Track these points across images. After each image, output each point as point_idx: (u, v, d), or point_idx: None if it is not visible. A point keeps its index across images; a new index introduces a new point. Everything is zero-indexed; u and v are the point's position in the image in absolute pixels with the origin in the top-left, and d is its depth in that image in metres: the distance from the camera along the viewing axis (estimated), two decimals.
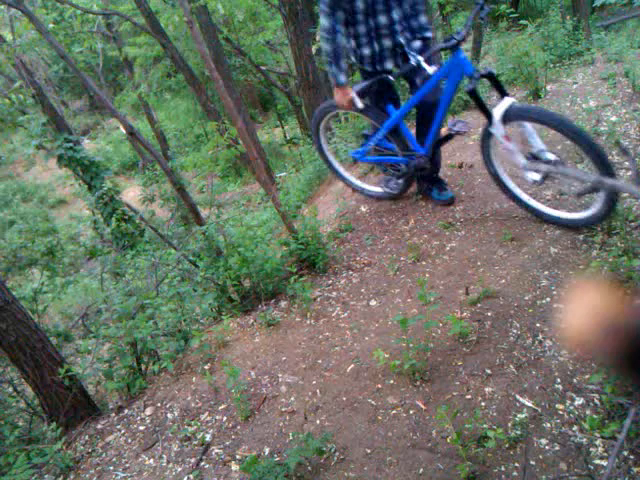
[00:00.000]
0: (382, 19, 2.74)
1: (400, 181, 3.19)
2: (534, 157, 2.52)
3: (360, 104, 2.90)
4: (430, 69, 2.65)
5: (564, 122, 2.40)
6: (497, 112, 2.51)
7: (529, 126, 2.49)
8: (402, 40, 2.80)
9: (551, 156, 2.48)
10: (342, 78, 2.85)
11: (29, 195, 16.46)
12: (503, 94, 2.53)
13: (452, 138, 2.97)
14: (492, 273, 2.51)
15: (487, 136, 2.67)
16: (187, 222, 6.62)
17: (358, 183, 3.66)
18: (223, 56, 9.25)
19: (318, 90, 6.24)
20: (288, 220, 3.08)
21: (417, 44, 2.83)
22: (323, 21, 2.74)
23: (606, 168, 2.28)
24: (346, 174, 3.69)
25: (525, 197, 2.76)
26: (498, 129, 2.54)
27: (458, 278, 2.57)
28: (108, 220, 8.25)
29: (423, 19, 2.86)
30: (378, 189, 3.51)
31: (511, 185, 2.78)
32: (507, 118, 2.50)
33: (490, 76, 2.52)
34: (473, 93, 2.54)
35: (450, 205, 3.18)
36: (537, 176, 2.56)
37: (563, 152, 3.18)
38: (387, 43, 2.81)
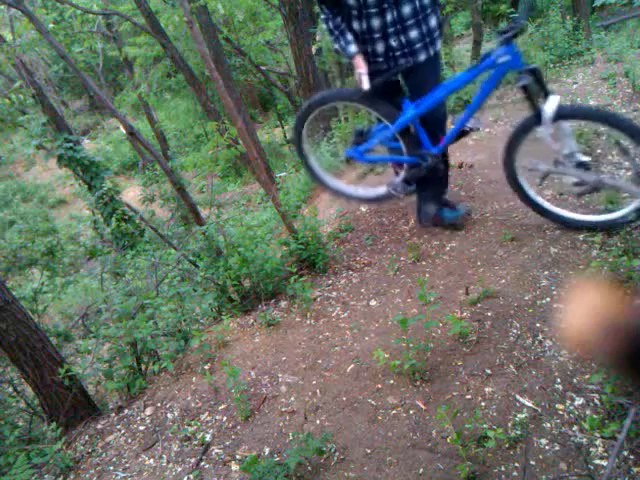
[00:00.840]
0: (375, 22, 2.56)
1: (406, 183, 2.99)
2: (566, 158, 2.44)
3: (367, 84, 2.61)
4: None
5: (624, 119, 2.33)
6: (549, 109, 2.31)
7: (568, 126, 2.39)
8: (394, 44, 2.62)
9: (585, 158, 2.41)
10: (351, 48, 2.60)
11: (29, 195, 16.45)
12: (546, 91, 2.40)
13: (466, 135, 2.88)
14: (492, 273, 2.51)
15: (524, 132, 2.52)
16: (187, 222, 6.63)
17: (351, 190, 3.25)
18: (223, 56, 9.25)
19: (318, 90, 6.25)
20: (288, 220, 3.08)
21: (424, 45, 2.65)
22: (319, 4, 2.67)
23: None
24: (334, 182, 3.26)
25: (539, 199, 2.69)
26: (547, 128, 2.38)
27: (458, 278, 2.57)
28: (108, 220, 8.25)
29: (433, 22, 2.63)
30: (376, 190, 3.21)
31: (530, 190, 2.67)
32: (555, 117, 2.36)
33: (534, 72, 2.41)
34: (525, 88, 2.42)
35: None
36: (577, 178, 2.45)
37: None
38: (379, 46, 2.65)
